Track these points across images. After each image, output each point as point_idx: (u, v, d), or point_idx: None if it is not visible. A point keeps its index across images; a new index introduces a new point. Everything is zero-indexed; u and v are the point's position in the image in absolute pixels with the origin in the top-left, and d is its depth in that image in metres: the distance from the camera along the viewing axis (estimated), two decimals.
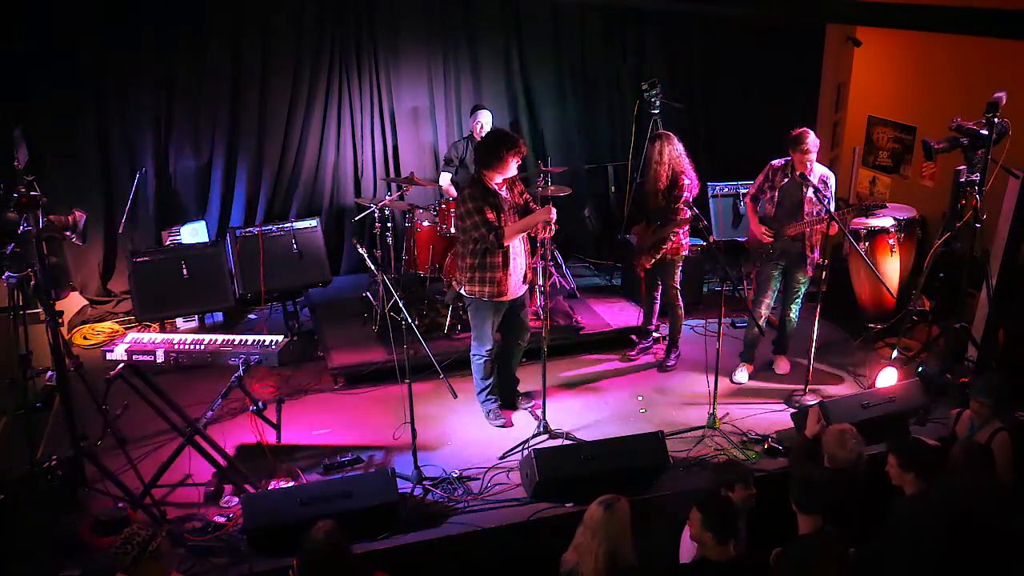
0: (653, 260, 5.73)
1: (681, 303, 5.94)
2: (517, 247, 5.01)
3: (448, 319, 6.21)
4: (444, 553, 4.22)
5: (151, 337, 5.83)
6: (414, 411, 4.66)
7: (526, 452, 4.66)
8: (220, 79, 6.88)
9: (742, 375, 5.88)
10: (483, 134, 6.67)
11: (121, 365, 4.42)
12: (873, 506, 3.87)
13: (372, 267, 4.83)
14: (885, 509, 3.78)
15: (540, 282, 5.46)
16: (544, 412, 5.15)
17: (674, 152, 5.55)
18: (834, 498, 3.64)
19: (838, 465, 4.01)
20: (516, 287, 5.07)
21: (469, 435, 5.21)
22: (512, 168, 4.87)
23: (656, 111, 7.10)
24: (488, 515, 4.41)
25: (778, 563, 3.49)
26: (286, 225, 6.74)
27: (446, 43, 7.45)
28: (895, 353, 5.82)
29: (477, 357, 5.25)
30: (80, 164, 6.68)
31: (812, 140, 5.31)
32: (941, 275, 6.06)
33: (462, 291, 5.09)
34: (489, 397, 5.34)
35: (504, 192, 4.96)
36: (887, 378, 5.43)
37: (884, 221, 6.28)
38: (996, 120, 5.02)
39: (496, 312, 5.08)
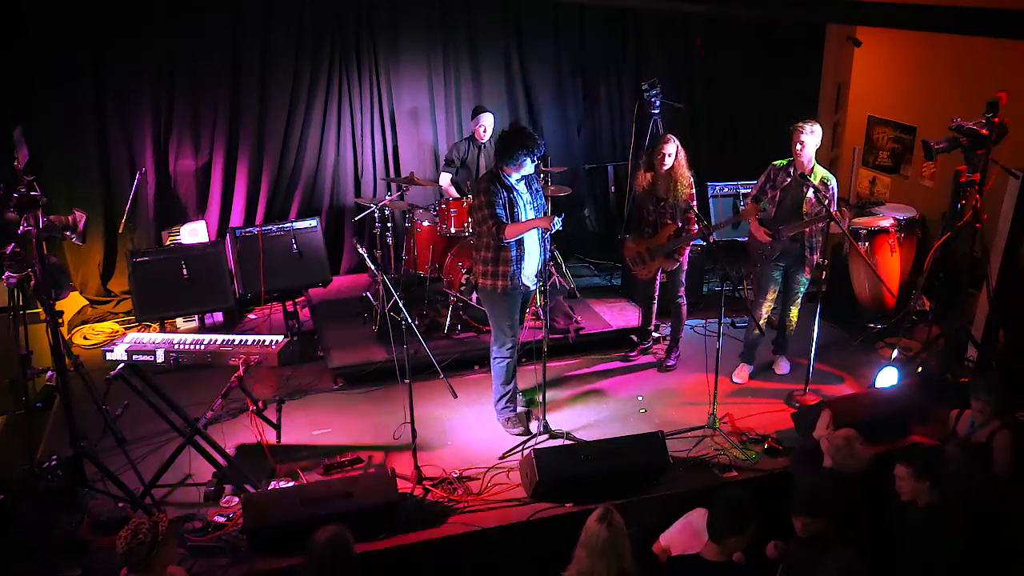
0: (675, 265, 5.75)
1: (685, 303, 5.94)
2: (533, 240, 4.99)
3: (448, 319, 6.21)
4: (444, 553, 4.22)
5: (151, 337, 5.83)
6: (414, 411, 4.66)
7: (526, 452, 4.66)
8: (220, 79, 6.88)
9: (742, 375, 5.88)
10: (486, 136, 6.69)
11: (121, 365, 4.42)
12: (871, 505, 3.86)
13: (372, 267, 4.83)
14: (880, 507, 3.77)
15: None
16: (544, 412, 5.15)
17: (682, 152, 5.59)
18: (839, 498, 3.64)
19: (847, 471, 3.99)
20: (529, 278, 5.05)
21: (469, 435, 5.20)
22: (527, 167, 4.87)
23: (656, 111, 7.11)
24: (488, 515, 4.41)
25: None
26: (286, 225, 6.74)
27: (446, 43, 7.45)
28: (895, 353, 5.82)
29: (498, 360, 5.13)
30: (80, 164, 6.67)
31: (808, 125, 5.32)
32: (941, 275, 6.06)
33: (477, 284, 5.08)
34: (508, 405, 5.22)
35: (524, 188, 4.96)
36: (887, 378, 5.43)
37: (884, 221, 6.27)
38: (996, 120, 5.01)
39: (513, 303, 5.03)
